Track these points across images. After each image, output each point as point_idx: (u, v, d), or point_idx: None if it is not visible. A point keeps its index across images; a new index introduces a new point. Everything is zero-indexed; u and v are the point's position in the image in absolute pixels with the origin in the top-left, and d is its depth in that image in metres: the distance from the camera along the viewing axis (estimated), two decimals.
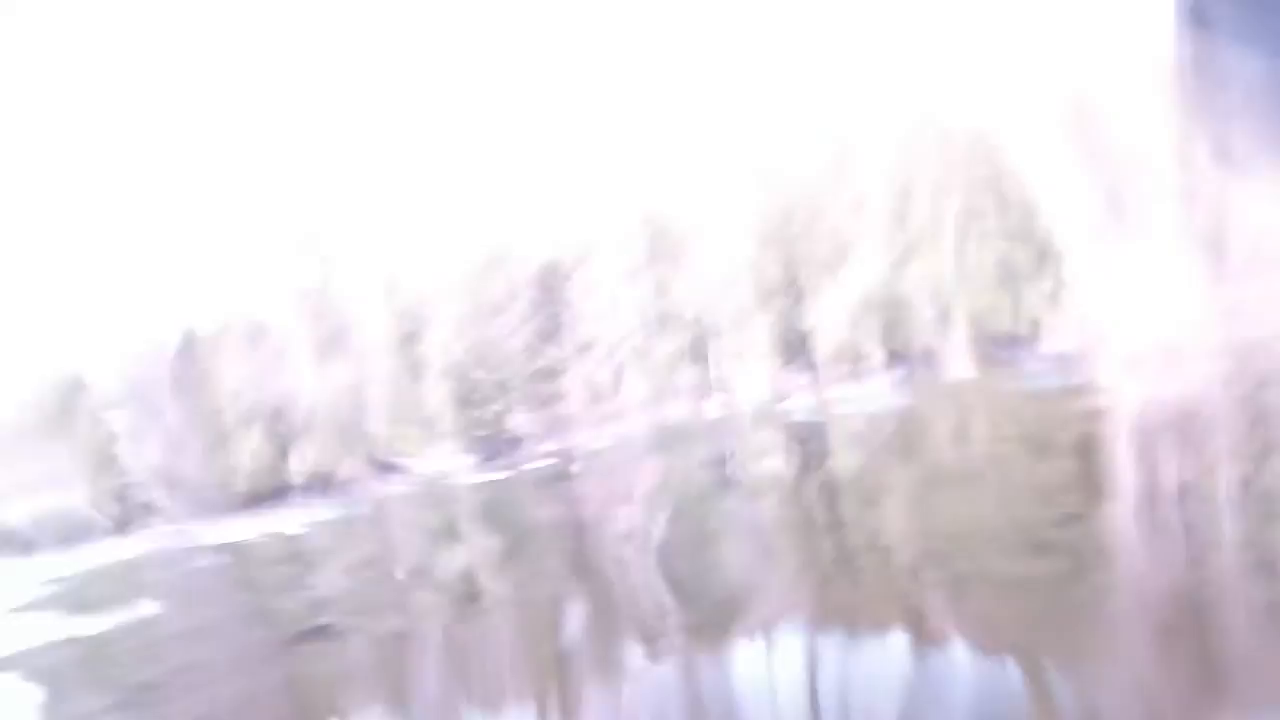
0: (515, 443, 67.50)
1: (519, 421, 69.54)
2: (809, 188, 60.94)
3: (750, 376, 61.55)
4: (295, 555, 27.82)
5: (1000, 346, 55.94)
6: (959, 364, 57.18)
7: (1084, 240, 60.74)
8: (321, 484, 61.73)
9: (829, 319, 57.47)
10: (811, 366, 60.20)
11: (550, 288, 69.98)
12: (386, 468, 62.45)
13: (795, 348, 60.80)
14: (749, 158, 65.58)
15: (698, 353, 64.07)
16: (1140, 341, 54.32)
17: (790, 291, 60.63)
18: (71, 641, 20.03)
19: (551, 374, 70.33)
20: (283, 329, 66.49)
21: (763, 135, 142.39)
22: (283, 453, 62.58)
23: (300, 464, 61.63)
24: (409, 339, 68.11)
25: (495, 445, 65.09)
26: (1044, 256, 55.00)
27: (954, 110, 58.69)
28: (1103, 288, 58.81)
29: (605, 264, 66.60)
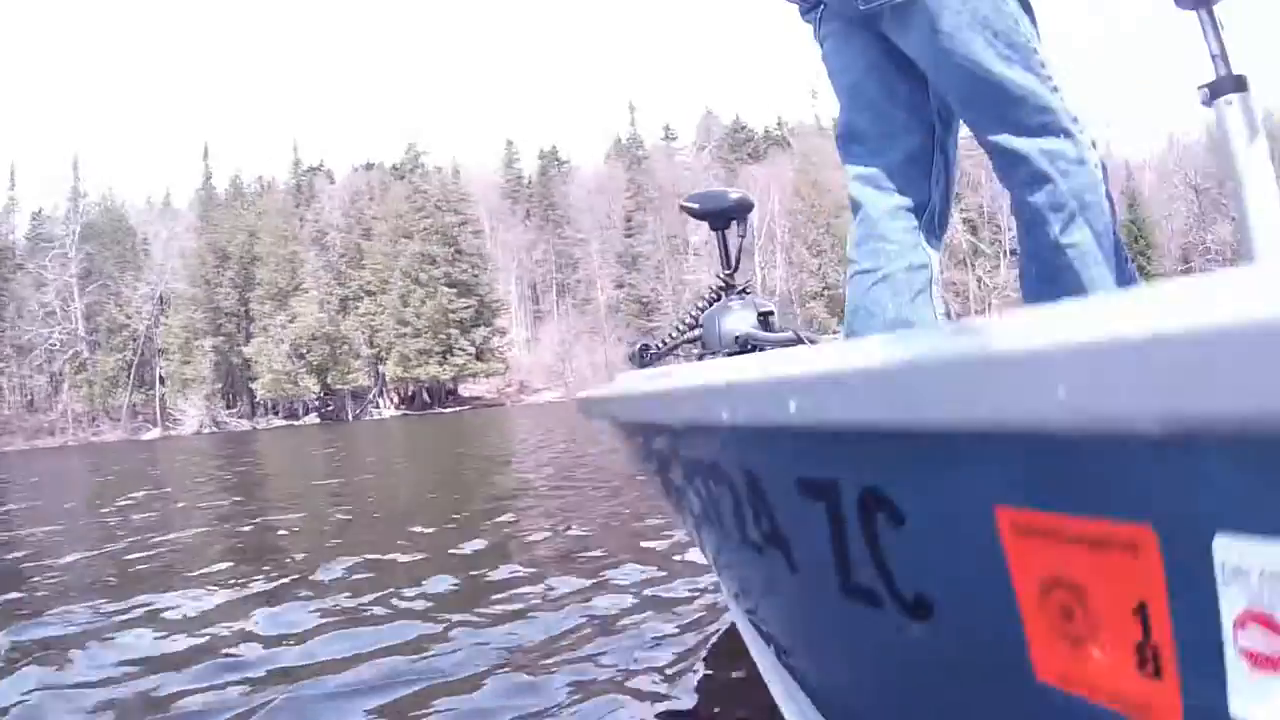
0: None
1: None
2: (277, 211, 59.53)
3: (190, 401, 57.94)
4: None
5: (427, 389, 57.24)
6: (386, 404, 57.64)
7: (525, 296, 64.90)
8: None
9: (271, 348, 55.74)
10: (250, 394, 57.95)
11: None
12: None
13: (236, 375, 58.31)
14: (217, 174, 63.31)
15: (141, 373, 59.54)
16: (553, 394, 58.05)
17: (240, 317, 58.34)
18: None
19: None
20: None
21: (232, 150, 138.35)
22: None
23: None
24: None
25: None
26: (483, 308, 57.44)
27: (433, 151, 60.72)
28: (530, 342, 62.81)
29: (56, 260, 60.61)
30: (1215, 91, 1.50)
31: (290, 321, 55.79)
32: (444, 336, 55.94)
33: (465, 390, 57.77)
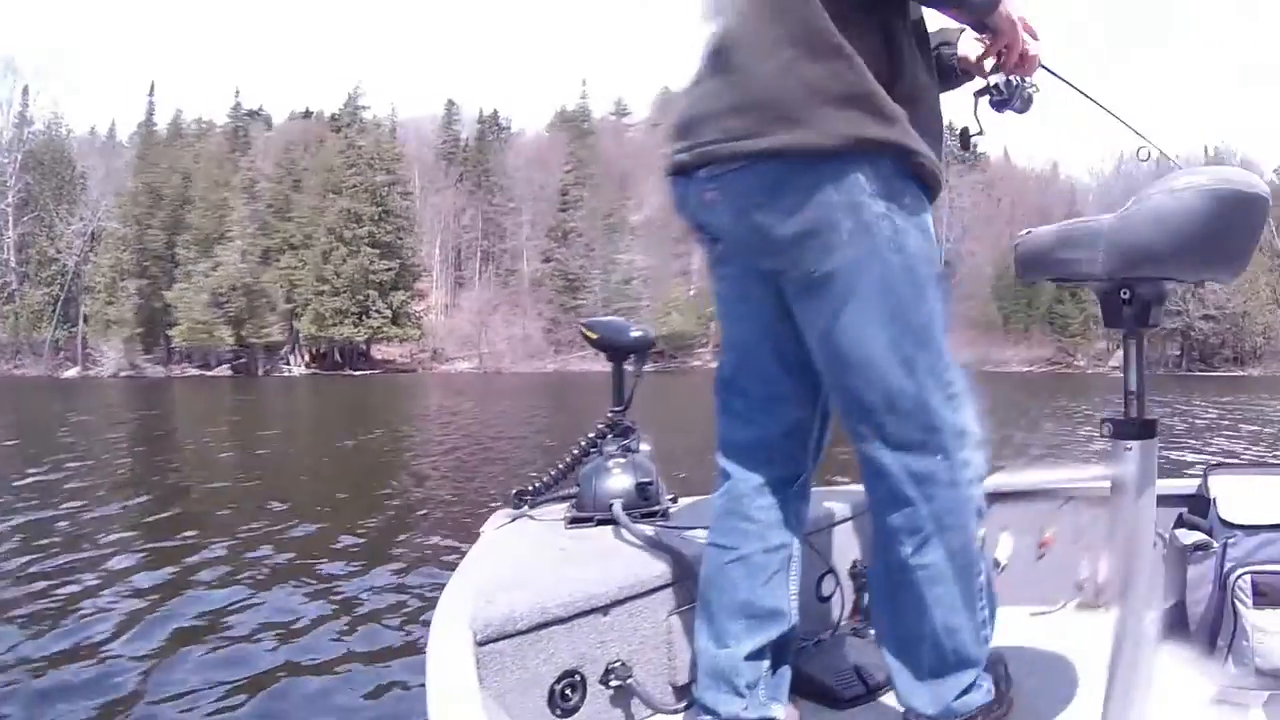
0: None
1: None
2: (211, 156, 58.77)
3: (110, 344, 57.56)
4: None
5: (340, 349, 56.26)
6: (298, 361, 56.74)
7: (448, 261, 63.36)
8: None
9: (192, 296, 55.05)
10: (166, 340, 57.39)
11: None
12: None
13: (156, 320, 57.77)
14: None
15: (66, 309, 59.25)
16: (467, 364, 56.75)
17: (166, 260, 57.69)
18: None
19: None
20: None
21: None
22: None
23: None
24: None
25: None
26: (404, 271, 56.27)
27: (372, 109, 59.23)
28: (448, 309, 61.35)
29: None
30: (1119, 432, 1.25)
31: (213, 270, 55.03)
32: (362, 298, 54.86)
33: (378, 353, 56.63)
